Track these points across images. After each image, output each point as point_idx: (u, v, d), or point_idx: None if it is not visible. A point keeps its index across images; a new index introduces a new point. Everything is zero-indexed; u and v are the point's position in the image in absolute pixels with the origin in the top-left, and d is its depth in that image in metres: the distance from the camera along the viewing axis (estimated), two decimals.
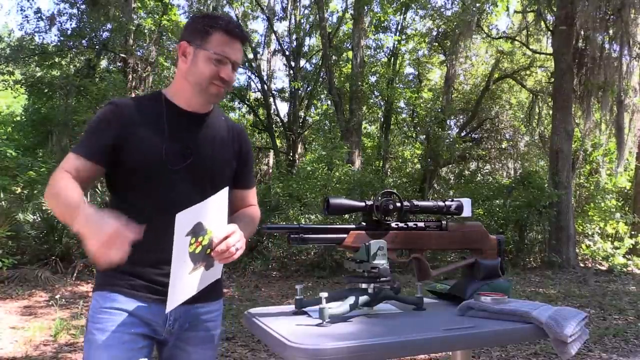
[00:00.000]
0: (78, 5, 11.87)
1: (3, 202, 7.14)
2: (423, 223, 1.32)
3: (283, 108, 21.04)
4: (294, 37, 15.45)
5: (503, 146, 15.03)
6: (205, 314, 1.36)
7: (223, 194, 1.20)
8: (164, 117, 1.29)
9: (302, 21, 15.25)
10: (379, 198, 1.27)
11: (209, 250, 1.18)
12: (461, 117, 15.05)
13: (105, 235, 1.01)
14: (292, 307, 1.27)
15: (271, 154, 15.79)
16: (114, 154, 1.25)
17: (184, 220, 1.13)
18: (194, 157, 1.29)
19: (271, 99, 15.15)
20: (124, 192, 1.29)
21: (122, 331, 1.22)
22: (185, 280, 1.16)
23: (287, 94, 15.79)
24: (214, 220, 1.18)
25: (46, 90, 10.72)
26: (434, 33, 14.27)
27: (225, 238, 1.17)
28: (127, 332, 1.22)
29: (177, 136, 1.29)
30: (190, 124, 1.32)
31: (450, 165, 14.92)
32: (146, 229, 1.17)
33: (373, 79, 14.03)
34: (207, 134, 1.34)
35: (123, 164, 1.25)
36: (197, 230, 1.16)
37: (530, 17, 11.60)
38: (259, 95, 15.66)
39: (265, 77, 15.21)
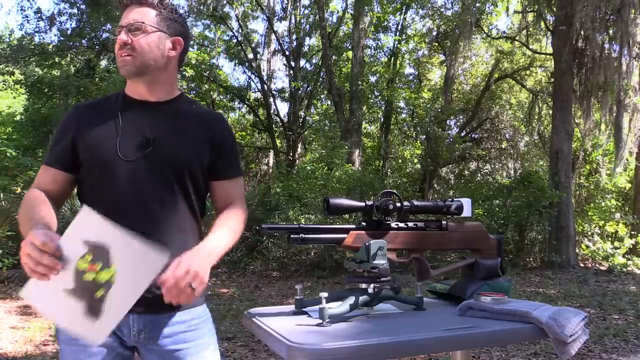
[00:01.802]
0: (78, 5, 11.87)
1: (3, 202, 7.14)
2: (423, 223, 1.32)
3: (283, 108, 21.07)
4: (294, 37, 15.45)
5: (503, 146, 15.03)
6: (179, 324, 1.24)
7: (156, 257, 1.03)
8: (118, 111, 1.26)
9: (302, 21, 15.25)
10: (379, 198, 1.27)
11: (101, 291, 1.02)
12: (461, 117, 15.05)
13: (23, 248, 0.99)
14: (292, 307, 1.27)
15: (271, 154, 15.79)
16: (74, 157, 1.24)
17: (89, 221, 1.02)
18: (153, 146, 1.23)
19: (271, 99, 15.15)
20: (86, 197, 1.24)
21: (87, 345, 1.17)
22: (55, 290, 1.01)
23: (287, 94, 15.78)
24: (127, 267, 1.03)
25: (46, 90, 10.72)
26: (434, 33, 14.28)
27: (175, 274, 1.04)
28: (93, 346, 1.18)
29: (132, 127, 1.24)
30: (147, 114, 1.27)
31: (450, 165, 14.93)
32: None
33: (373, 79, 14.03)
34: (169, 122, 1.27)
35: (82, 165, 1.24)
36: (99, 253, 1.02)
37: (530, 17, 11.60)
38: (259, 95, 15.66)
39: (265, 77, 15.20)
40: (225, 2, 13.91)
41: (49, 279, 0.99)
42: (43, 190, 1.24)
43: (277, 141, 15.17)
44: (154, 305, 1.20)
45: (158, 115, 1.28)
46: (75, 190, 1.30)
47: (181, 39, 1.31)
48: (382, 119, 15.41)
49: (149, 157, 1.22)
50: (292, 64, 15.25)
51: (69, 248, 1.00)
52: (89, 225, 1.03)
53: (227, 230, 1.25)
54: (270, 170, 15.43)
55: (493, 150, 14.92)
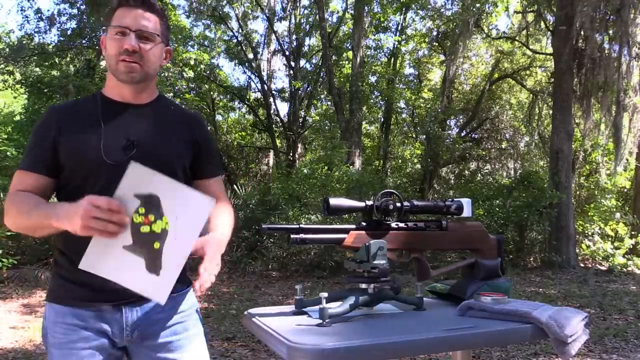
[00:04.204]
0: (78, 5, 11.86)
1: (3, 202, 7.14)
2: (423, 223, 1.32)
3: (283, 108, 21.08)
4: (294, 37, 15.45)
5: (503, 146, 15.04)
6: (169, 318, 1.26)
7: (204, 201, 1.07)
8: (98, 114, 1.23)
9: (302, 21, 15.25)
10: (379, 198, 1.27)
11: (158, 244, 1.06)
12: (461, 117, 15.06)
13: (82, 207, 1.00)
14: (292, 307, 1.27)
15: (271, 154, 15.78)
16: (55, 160, 1.21)
17: (137, 174, 1.04)
18: (137, 149, 1.22)
19: (271, 99, 15.15)
20: (69, 200, 1.20)
21: (79, 348, 1.17)
22: (114, 251, 1.04)
23: (287, 94, 15.78)
24: (178, 215, 1.06)
25: (46, 90, 10.71)
26: (434, 33, 14.28)
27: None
28: (84, 348, 1.17)
29: (114, 130, 1.22)
30: (130, 116, 1.26)
31: (450, 165, 14.93)
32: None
33: (373, 79, 14.04)
34: (151, 124, 1.27)
35: (63, 168, 1.21)
36: (151, 204, 1.05)
37: (530, 17, 11.60)
38: (259, 95, 15.66)
39: (265, 77, 15.20)
40: (225, 2, 13.91)
41: (118, 237, 1.03)
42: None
43: (277, 141, 15.17)
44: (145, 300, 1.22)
45: (140, 117, 1.27)
46: (55, 196, 1.27)
47: (170, 48, 1.33)
48: (382, 119, 15.42)
49: (134, 159, 1.20)
50: (292, 64, 15.24)
51: (124, 203, 1.04)
52: (138, 178, 1.04)
53: (227, 223, 1.32)
54: (270, 170, 15.42)
55: (493, 150, 14.92)
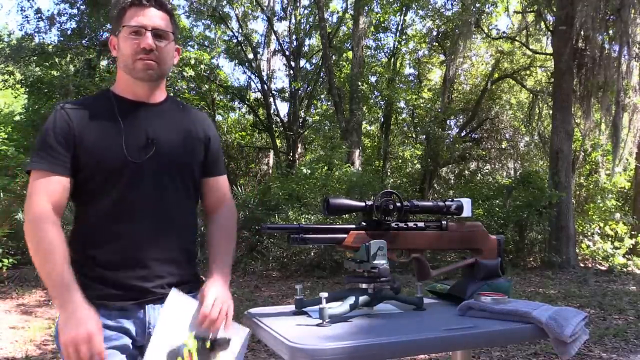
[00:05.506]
0: (78, 5, 11.86)
1: (2, 203, 7.13)
2: (423, 223, 1.32)
3: (283, 108, 21.09)
4: (294, 37, 15.45)
5: (503, 146, 15.03)
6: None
7: (243, 331, 1.25)
8: (116, 112, 1.23)
9: (302, 21, 15.25)
10: (379, 198, 1.27)
11: (209, 343, 1.17)
12: (461, 117, 15.05)
13: (77, 336, 1.04)
14: (292, 307, 1.27)
15: (271, 154, 15.79)
16: (74, 160, 1.19)
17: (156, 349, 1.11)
18: (156, 147, 1.23)
19: (271, 99, 15.14)
20: (88, 199, 1.21)
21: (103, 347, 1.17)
22: None
23: (287, 94, 15.78)
24: (183, 326, 1.16)
25: (46, 90, 10.71)
26: (434, 33, 14.28)
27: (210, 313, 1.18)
28: (107, 347, 1.16)
29: (134, 128, 1.23)
30: (146, 115, 1.27)
31: (450, 165, 14.93)
32: (114, 231, 1.12)
33: (373, 79, 14.03)
34: (166, 123, 1.29)
35: (83, 169, 1.20)
36: (175, 352, 1.13)
37: (530, 17, 11.60)
38: (259, 95, 15.66)
39: (265, 77, 15.20)
40: (225, 2, 13.91)
41: None
42: (53, 205, 1.17)
43: (277, 141, 15.17)
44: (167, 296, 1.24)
45: (155, 116, 1.29)
46: (72, 199, 1.25)
47: (179, 47, 1.34)
48: (382, 119, 15.42)
49: (154, 158, 1.23)
50: (292, 64, 15.24)
51: None
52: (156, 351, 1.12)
53: (230, 242, 1.35)
54: (270, 170, 15.42)
55: (493, 150, 14.92)
